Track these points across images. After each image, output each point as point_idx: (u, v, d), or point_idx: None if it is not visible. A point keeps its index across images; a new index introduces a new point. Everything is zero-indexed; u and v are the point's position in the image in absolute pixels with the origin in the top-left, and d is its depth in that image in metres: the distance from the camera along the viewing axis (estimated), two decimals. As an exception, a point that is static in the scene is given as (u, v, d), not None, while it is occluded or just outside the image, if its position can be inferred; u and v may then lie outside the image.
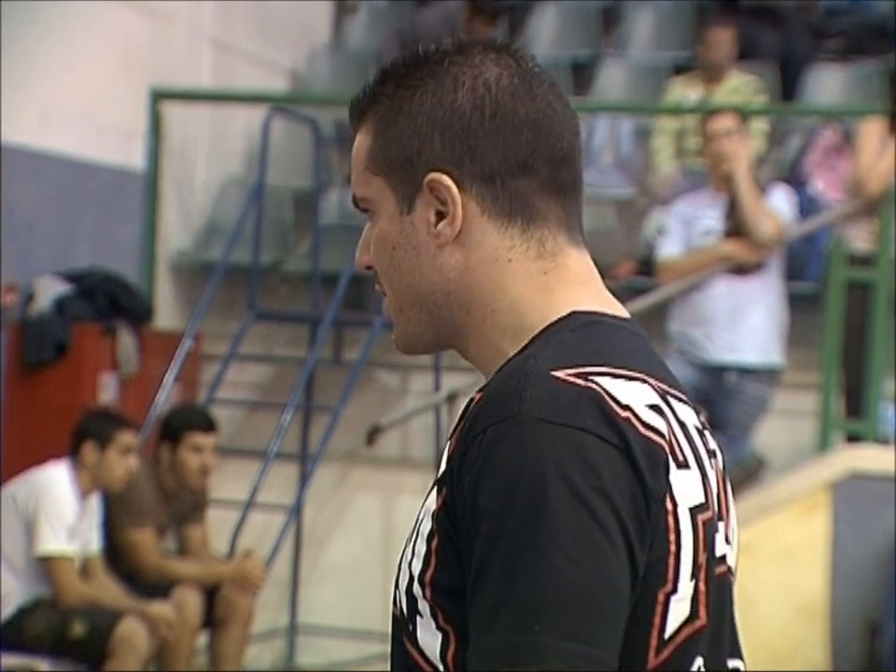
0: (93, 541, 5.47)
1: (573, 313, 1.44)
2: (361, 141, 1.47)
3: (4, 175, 6.50)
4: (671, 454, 1.37)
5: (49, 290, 6.65)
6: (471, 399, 1.39)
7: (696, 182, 6.66)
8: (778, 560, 5.60)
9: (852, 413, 6.13)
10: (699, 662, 1.39)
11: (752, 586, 5.42)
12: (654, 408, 1.37)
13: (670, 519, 1.35)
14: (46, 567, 5.33)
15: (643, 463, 1.34)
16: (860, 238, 6.14)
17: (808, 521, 5.58)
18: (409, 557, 1.40)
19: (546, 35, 8.63)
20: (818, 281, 6.51)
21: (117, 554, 5.62)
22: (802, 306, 6.49)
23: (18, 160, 6.59)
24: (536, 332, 1.43)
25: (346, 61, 8.53)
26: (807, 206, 6.74)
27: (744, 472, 6.05)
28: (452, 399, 6.58)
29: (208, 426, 5.81)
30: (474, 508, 1.33)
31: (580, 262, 1.47)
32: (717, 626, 1.42)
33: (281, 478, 6.85)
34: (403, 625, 1.40)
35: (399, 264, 1.46)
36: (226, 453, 6.59)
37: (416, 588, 1.37)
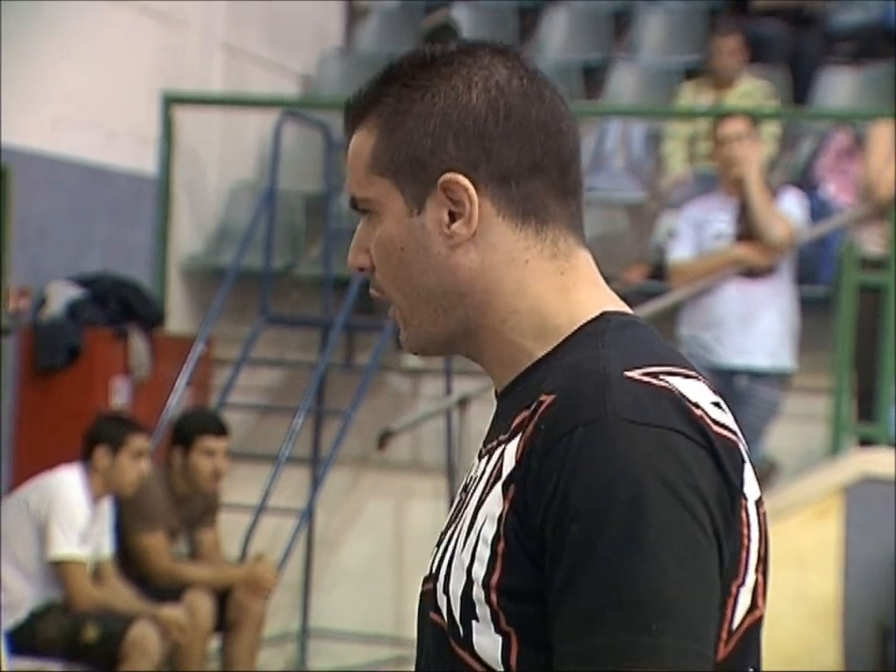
0: (105, 546, 5.47)
1: (604, 313, 1.45)
2: (362, 141, 1.46)
3: (16, 181, 6.51)
4: (743, 449, 1.39)
5: (62, 295, 6.67)
6: (539, 402, 1.37)
7: (707, 186, 6.66)
8: (790, 564, 5.59)
9: (864, 416, 6.12)
10: (756, 652, 1.42)
11: (764, 590, 5.40)
12: (718, 405, 1.40)
13: (744, 514, 1.38)
14: (58, 571, 5.33)
15: (725, 460, 1.36)
16: (872, 241, 6.13)
17: (820, 525, 5.57)
18: (465, 562, 1.38)
19: (557, 39, 8.64)
20: (829, 284, 6.51)
21: (128, 558, 5.62)
22: (813, 310, 6.48)
23: (30, 165, 6.60)
24: (568, 333, 1.44)
25: (358, 65, 8.53)
26: (819, 210, 6.73)
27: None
28: (463, 403, 6.58)
29: (220, 430, 5.81)
30: (563, 510, 1.32)
31: (589, 262, 1.49)
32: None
33: (292, 482, 6.85)
34: (451, 630, 1.39)
35: (408, 265, 1.45)
36: (238, 457, 6.60)
37: (477, 592, 1.37)
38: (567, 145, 1.47)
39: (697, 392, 1.39)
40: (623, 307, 1.49)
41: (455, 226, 1.44)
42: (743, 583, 1.38)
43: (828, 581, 5.52)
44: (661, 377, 1.37)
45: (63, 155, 6.87)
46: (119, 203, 7.24)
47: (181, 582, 5.60)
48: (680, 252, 6.18)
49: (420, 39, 8.51)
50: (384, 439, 6.65)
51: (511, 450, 1.38)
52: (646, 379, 1.37)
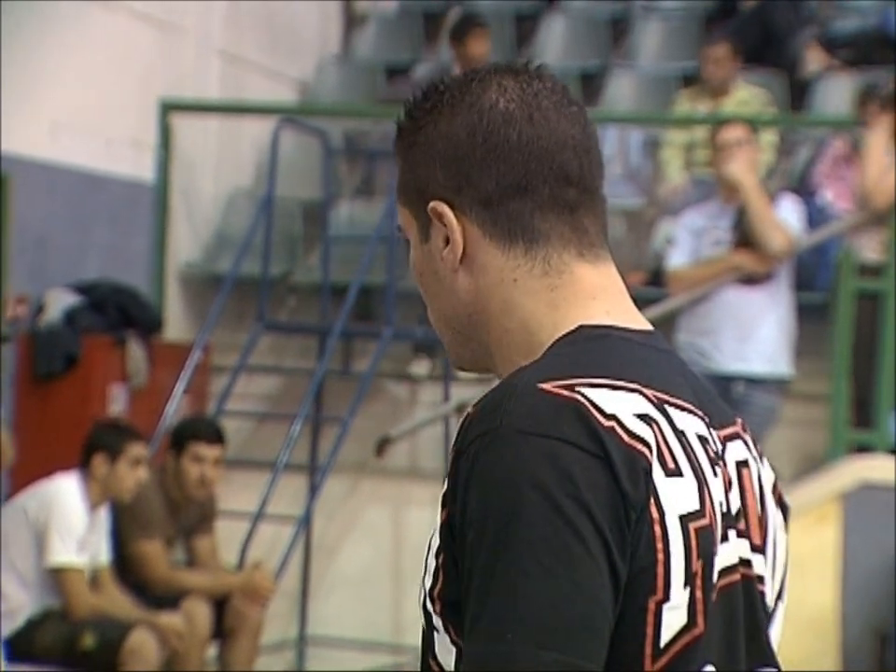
0: (103, 553, 5.47)
1: (581, 326, 1.46)
2: (397, 173, 1.55)
3: (14, 188, 6.51)
4: (659, 462, 1.38)
5: (60, 302, 6.67)
6: (467, 414, 1.42)
7: (705, 192, 6.67)
8: (789, 570, 5.59)
9: (861, 423, 6.12)
10: (709, 669, 1.40)
11: (762, 597, 5.41)
12: (643, 417, 1.38)
13: (656, 528, 1.36)
14: (56, 578, 5.33)
15: (623, 472, 1.35)
16: (869, 248, 6.13)
17: (818, 531, 5.57)
18: (422, 573, 1.42)
19: (555, 46, 8.64)
20: (827, 291, 6.51)
21: (126, 566, 5.62)
22: (811, 316, 6.49)
23: (28, 172, 6.61)
24: (546, 348, 1.46)
25: (355, 72, 8.54)
26: (816, 217, 6.74)
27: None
28: (461, 409, 6.58)
29: (213, 437, 5.80)
30: (463, 519, 1.36)
31: (590, 277, 1.49)
32: (727, 634, 1.43)
33: (290, 489, 6.85)
34: (426, 641, 1.42)
35: (427, 289, 1.53)
36: (235, 464, 6.60)
37: (429, 604, 1.40)
38: (564, 161, 1.48)
39: (622, 403, 1.38)
40: (625, 320, 1.48)
41: (445, 251, 1.49)
42: (666, 599, 1.36)
43: (826, 587, 5.53)
44: (577, 388, 1.38)
45: (61, 162, 6.87)
46: (117, 210, 7.25)
47: (179, 590, 5.60)
48: (678, 259, 6.18)
49: (440, 38, 8.52)
50: (382, 445, 6.65)
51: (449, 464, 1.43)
52: (555, 390, 1.37)
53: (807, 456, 6.49)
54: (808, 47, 8.07)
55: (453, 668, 1.39)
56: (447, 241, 1.48)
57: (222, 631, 5.75)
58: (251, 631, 5.79)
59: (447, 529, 1.38)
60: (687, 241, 6.18)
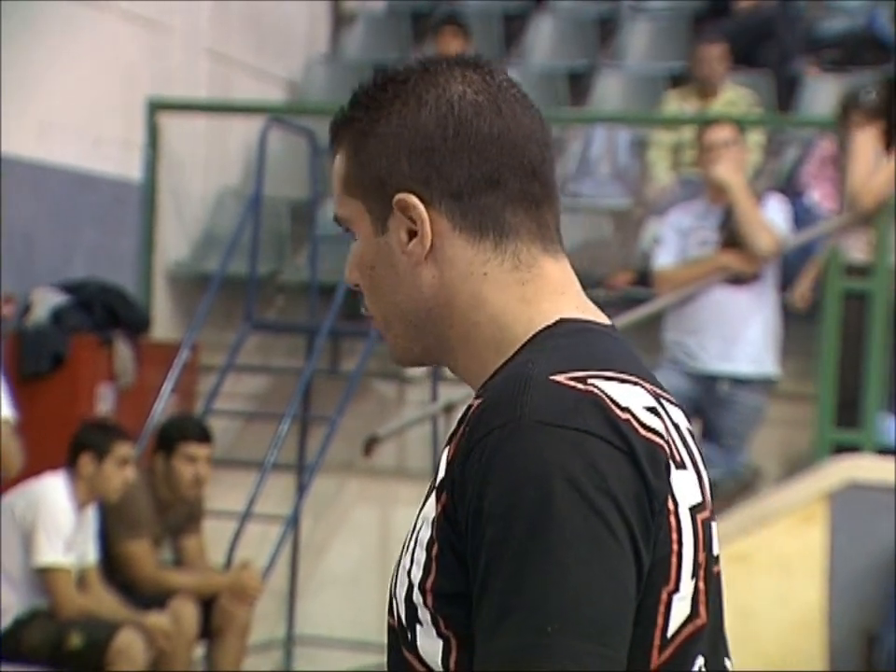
0: (90, 553, 5.46)
1: (561, 320, 1.46)
2: (339, 163, 1.50)
3: (2, 186, 6.50)
4: (670, 454, 1.39)
5: (47, 301, 6.66)
6: (469, 406, 1.40)
7: (693, 192, 6.67)
8: (776, 570, 5.60)
9: (848, 423, 6.13)
10: (700, 661, 1.41)
11: (750, 596, 5.42)
12: (651, 410, 1.39)
13: (672, 519, 1.37)
14: (43, 578, 5.32)
15: (646, 464, 1.36)
16: (857, 248, 6.14)
17: (806, 531, 5.58)
18: (407, 565, 1.40)
19: (543, 46, 8.65)
20: (814, 291, 6.52)
21: (113, 566, 5.61)
22: (798, 316, 6.49)
23: (15, 171, 6.60)
24: (523, 341, 1.45)
25: (343, 71, 8.54)
26: (803, 217, 6.74)
27: (738, 484, 6.05)
28: (449, 409, 6.58)
29: (203, 436, 5.80)
30: (479, 512, 1.34)
31: (556, 272, 1.49)
32: (715, 625, 1.45)
33: (278, 488, 6.85)
34: (401, 634, 1.41)
35: (379, 283, 1.49)
36: (223, 463, 6.59)
37: (416, 596, 1.38)
38: (527, 156, 1.47)
39: (630, 396, 1.39)
40: (591, 314, 1.49)
41: (411, 244, 1.46)
42: (677, 590, 1.37)
43: (813, 587, 5.53)
44: (588, 381, 1.38)
45: (49, 161, 6.86)
46: (105, 210, 7.24)
47: (166, 589, 5.59)
48: (665, 259, 6.19)
49: (424, 37, 8.53)
50: (369, 445, 6.65)
51: (445, 455, 1.41)
52: (570, 383, 1.37)
53: (794, 456, 6.50)
54: (797, 47, 8.08)
55: (439, 660, 1.38)
56: (411, 233, 1.46)
57: (210, 631, 5.74)
58: (239, 631, 5.78)
59: (445, 521, 1.37)
60: (674, 241, 6.18)
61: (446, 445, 1.42)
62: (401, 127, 1.46)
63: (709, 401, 6.02)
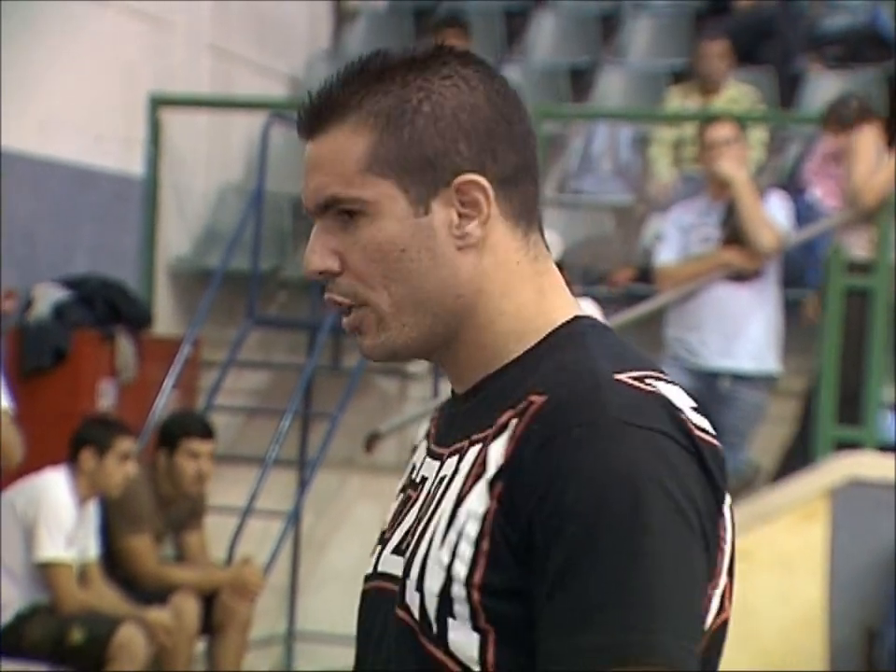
0: (91, 548, 5.46)
1: (577, 317, 1.47)
2: (352, 141, 1.42)
3: (3, 183, 6.50)
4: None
5: (48, 297, 6.66)
6: (527, 402, 1.38)
7: (694, 189, 6.67)
8: (777, 567, 5.60)
9: (849, 420, 6.13)
10: (720, 655, 1.44)
11: (751, 594, 5.41)
12: (696, 410, 1.41)
13: (726, 517, 1.40)
14: (44, 573, 5.32)
15: (711, 464, 1.37)
16: (858, 245, 6.14)
17: (807, 528, 5.58)
18: (444, 560, 1.38)
19: (545, 42, 8.64)
20: (816, 288, 6.52)
21: (115, 561, 5.62)
22: (800, 313, 6.49)
23: (17, 167, 6.60)
24: (543, 334, 1.45)
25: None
26: (806, 213, 6.74)
27: (740, 481, 6.05)
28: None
29: (205, 432, 5.80)
30: (558, 508, 1.33)
31: (554, 267, 1.51)
32: None
33: (279, 484, 6.85)
34: (423, 628, 1.39)
35: (406, 267, 1.42)
36: (224, 459, 6.59)
37: (457, 590, 1.36)
38: (537, 152, 1.50)
39: (679, 397, 1.40)
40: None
41: (469, 227, 1.43)
42: (717, 585, 1.39)
43: (815, 584, 5.53)
44: (647, 381, 1.39)
45: (50, 157, 6.86)
46: (106, 206, 7.24)
47: (167, 585, 5.60)
48: (667, 255, 6.18)
49: (426, 35, 8.51)
50: (371, 441, 6.65)
51: (498, 448, 1.38)
52: (635, 383, 1.38)
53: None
54: (799, 44, 8.08)
55: (475, 654, 1.36)
56: (459, 216, 1.42)
57: (211, 626, 5.74)
58: (240, 626, 5.78)
59: (501, 517, 1.35)
60: (675, 237, 6.18)
61: (490, 439, 1.39)
62: (458, 109, 1.42)
63: (710, 398, 6.02)
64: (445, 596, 1.37)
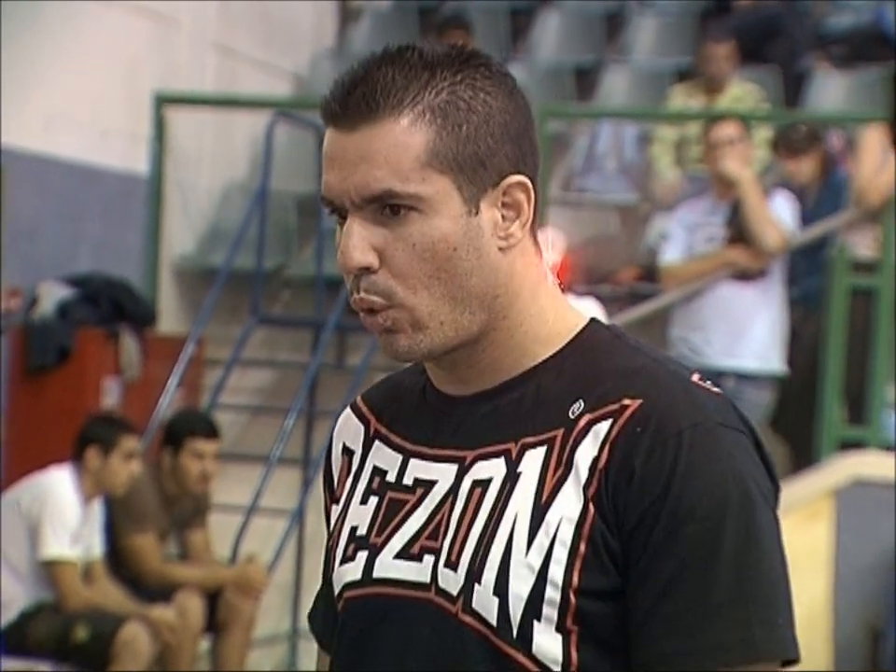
0: (96, 546, 5.47)
1: (593, 320, 1.49)
2: (410, 134, 1.39)
3: (7, 180, 6.50)
4: None
5: (53, 295, 6.66)
6: (620, 406, 1.38)
7: (699, 188, 6.67)
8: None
9: (854, 419, 6.13)
10: None
11: (755, 592, 5.41)
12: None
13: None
14: (49, 571, 5.33)
15: (769, 457, 1.43)
16: (863, 245, 6.14)
17: (811, 528, 5.58)
18: (535, 565, 1.37)
19: (550, 41, 8.64)
20: (821, 287, 6.51)
21: (119, 559, 5.62)
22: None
23: (21, 164, 6.60)
24: (567, 339, 1.45)
25: (350, 66, 8.53)
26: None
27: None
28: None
29: (210, 432, 5.81)
30: (674, 510, 1.35)
31: None
32: None
33: (284, 482, 6.85)
34: (498, 632, 1.38)
35: (456, 265, 1.40)
36: (229, 457, 6.59)
37: (550, 593, 1.37)
38: None
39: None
40: None
41: (512, 228, 1.42)
42: None
43: (819, 583, 5.53)
44: (706, 381, 1.44)
45: (55, 155, 6.86)
46: (111, 203, 7.24)
47: (172, 583, 5.60)
48: (672, 254, 6.18)
49: (429, 34, 8.52)
50: (375, 440, 6.63)
51: (587, 452, 1.38)
52: (706, 385, 1.43)
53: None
54: (805, 43, 8.08)
55: (558, 656, 1.37)
56: (503, 217, 1.42)
57: (215, 624, 5.75)
58: (244, 624, 5.79)
59: (599, 521, 1.36)
60: (680, 236, 6.18)
61: (575, 442, 1.38)
62: (502, 110, 1.41)
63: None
64: (535, 600, 1.37)
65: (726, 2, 8.33)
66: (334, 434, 1.58)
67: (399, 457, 1.48)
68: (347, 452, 1.55)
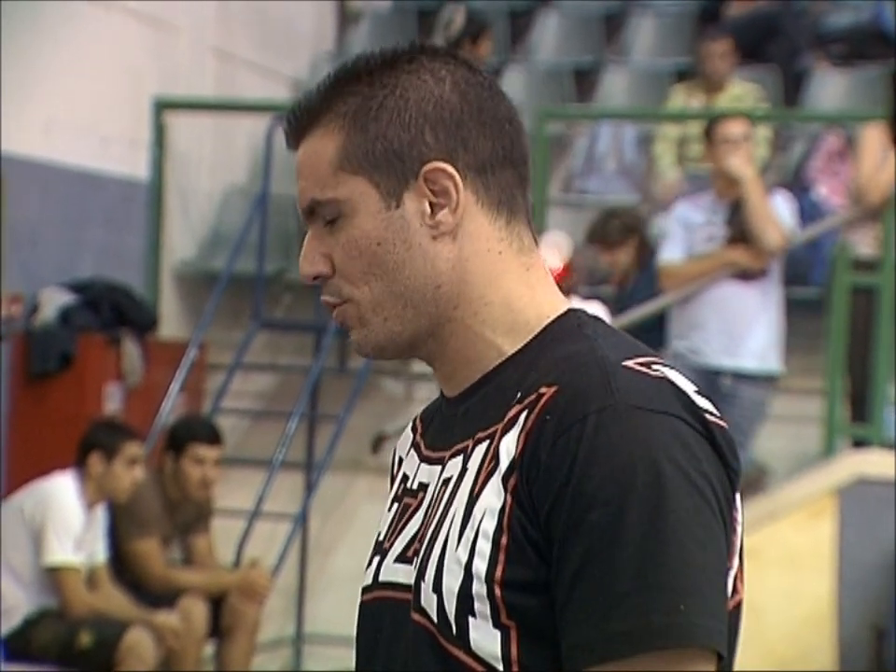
0: (99, 552, 5.47)
1: (571, 310, 1.46)
2: (321, 144, 1.45)
3: (8, 186, 6.51)
4: None
5: (54, 301, 6.66)
6: (536, 394, 1.37)
7: (698, 187, 6.66)
8: (785, 565, 5.60)
9: (857, 417, 6.12)
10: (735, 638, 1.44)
11: (759, 592, 5.41)
12: (699, 394, 1.42)
13: (738, 499, 1.41)
14: (53, 577, 5.33)
15: (724, 445, 1.38)
16: (864, 243, 6.14)
17: (814, 526, 5.58)
18: (462, 559, 1.37)
19: (549, 42, 8.64)
20: (822, 286, 6.51)
21: (122, 564, 5.62)
22: (806, 311, 6.49)
23: (22, 170, 6.60)
24: (537, 329, 1.44)
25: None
26: (811, 211, 6.74)
27: (744, 481, 6.04)
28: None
29: (213, 438, 5.81)
30: (578, 496, 1.33)
31: (543, 261, 1.50)
32: None
33: (286, 487, 6.85)
34: (442, 629, 1.38)
35: (383, 260, 1.43)
36: (231, 462, 6.60)
37: (477, 587, 1.36)
38: (524, 141, 1.49)
39: (683, 381, 1.41)
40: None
41: (440, 215, 1.43)
42: (731, 567, 1.40)
43: (822, 582, 5.53)
44: (653, 367, 1.39)
45: (56, 160, 6.87)
46: (112, 209, 7.24)
47: (175, 588, 5.60)
48: (671, 253, 6.17)
49: (443, 40, 8.52)
50: (378, 442, 6.65)
51: (509, 443, 1.38)
52: (642, 369, 1.38)
53: (803, 452, 6.50)
54: (804, 42, 8.08)
55: (497, 652, 1.35)
56: (432, 206, 1.43)
57: (219, 629, 5.75)
58: (248, 629, 5.79)
59: (518, 510, 1.35)
60: (680, 235, 6.16)
61: (499, 434, 1.38)
62: (423, 101, 1.43)
63: (712, 396, 5.99)
64: (465, 595, 1.37)
65: (716, 6, 8.32)
66: (397, 445, 1.62)
67: (417, 462, 1.51)
68: (400, 462, 1.59)
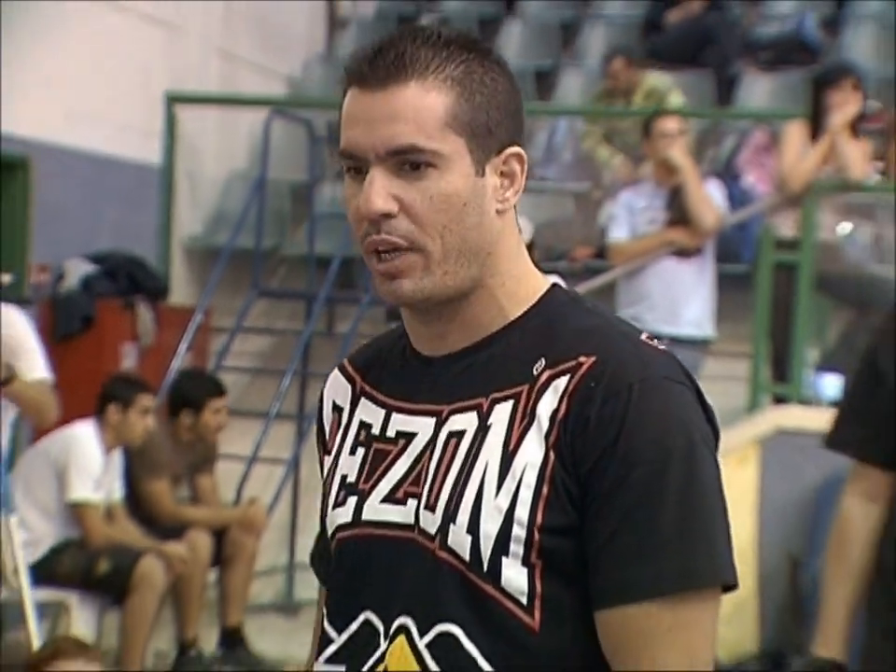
0: (116, 490, 5.48)
1: (554, 284, 1.47)
2: (432, 98, 1.39)
3: (36, 170, 6.49)
4: None
5: (77, 270, 6.66)
6: (576, 363, 1.37)
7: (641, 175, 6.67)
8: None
9: (778, 378, 6.18)
10: None
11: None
12: None
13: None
14: (75, 512, 5.34)
15: (711, 409, 1.42)
16: (786, 225, 6.18)
17: (740, 472, 5.63)
18: (503, 506, 1.36)
19: (513, 47, 8.64)
20: (749, 263, 6.56)
21: (137, 502, 5.64)
22: (735, 285, 6.53)
23: (48, 156, 6.59)
24: (533, 301, 1.44)
25: (338, 68, 8.51)
26: (740, 198, 6.77)
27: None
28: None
29: (222, 391, 5.85)
30: (625, 454, 1.34)
31: None
32: None
33: (281, 435, 6.87)
34: (472, 566, 1.37)
35: (464, 219, 1.39)
36: (233, 413, 6.60)
37: (517, 531, 1.36)
38: None
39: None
40: None
41: (508, 193, 1.42)
42: None
43: (746, 520, 5.58)
44: (654, 341, 1.42)
45: (78, 147, 6.84)
46: (127, 190, 7.23)
47: (183, 523, 5.62)
48: (618, 234, 6.20)
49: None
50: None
51: (548, 404, 1.37)
52: (652, 343, 1.41)
53: (731, 407, 6.54)
54: (735, 50, 8.09)
55: (524, 587, 1.36)
56: (501, 183, 1.41)
57: (221, 559, 5.77)
58: (247, 559, 5.81)
59: (559, 465, 1.35)
60: (625, 218, 6.19)
61: (535, 396, 1.37)
62: (505, 87, 1.42)
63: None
64: (503, 537, 1.36)
65: (660, 17, 8.31)
66: (324, 393, 1.56)
67: (383, 412, 1.47)
68: (337, 409, 1.53)
